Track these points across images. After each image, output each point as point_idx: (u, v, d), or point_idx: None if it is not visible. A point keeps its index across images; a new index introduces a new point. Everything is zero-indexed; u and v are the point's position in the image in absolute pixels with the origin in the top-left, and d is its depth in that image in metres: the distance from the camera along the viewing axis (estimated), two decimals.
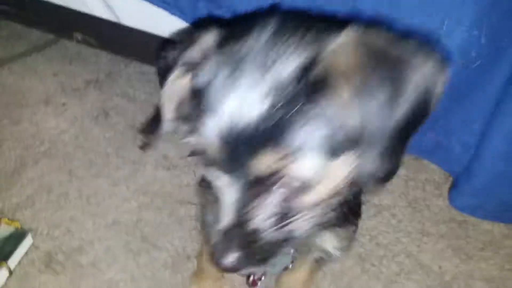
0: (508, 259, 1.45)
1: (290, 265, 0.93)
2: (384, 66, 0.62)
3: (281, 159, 0.63)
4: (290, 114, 0.61)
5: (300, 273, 1.15)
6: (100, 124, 1.65)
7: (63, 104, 1.70)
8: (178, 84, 0.72)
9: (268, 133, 0.62)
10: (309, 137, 0.63)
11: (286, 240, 0.69)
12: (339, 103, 0.62)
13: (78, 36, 1.71)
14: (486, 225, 1.50)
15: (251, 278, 0.99)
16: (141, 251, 1.35)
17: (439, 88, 0.64)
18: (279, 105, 0.61)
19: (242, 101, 0.63)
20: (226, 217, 0.67)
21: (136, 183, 1.50)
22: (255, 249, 0.68)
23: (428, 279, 1.39)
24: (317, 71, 0.62)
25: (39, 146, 1.56)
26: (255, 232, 0.67)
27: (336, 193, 0.69)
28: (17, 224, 1.32)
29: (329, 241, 0.92)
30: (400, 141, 0.65)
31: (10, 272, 1.23)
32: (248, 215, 0.67)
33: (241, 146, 0.63)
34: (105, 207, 1.42)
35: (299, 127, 0.62)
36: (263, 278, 0.99)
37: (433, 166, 1.63)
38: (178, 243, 1.37)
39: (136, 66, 1.81)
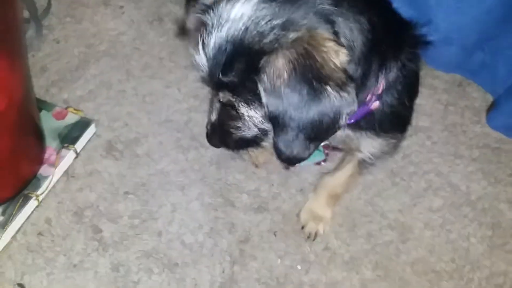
0: None
1: (323, 162, 1.12)
2: (307, 79, 0.75)
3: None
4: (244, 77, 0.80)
5: (342, 174, 1.29)
6: (155, 29, 1.73)
7: (121, 7, 1.78)
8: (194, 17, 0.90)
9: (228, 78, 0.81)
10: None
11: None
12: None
13: None
14: None
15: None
16: (190, 147, 1.48)
17: (343, 120, 0.78)
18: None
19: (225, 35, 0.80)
20: (212, 116, 0.95)
21: (187, 87, 1.60)
22: (229, 141, 0.96)
23: (454, 196, 1.47)
24: (265, 59, 0.76)
25: (99, 45, 1.67)
26: (227, 131, 0.94)
27: None
28: (82, 114, 1.46)
29: (368, 146, 1.08)
30: (308, 137, 0.80)
31: (77, 154, 1.39)
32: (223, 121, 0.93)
33: (215, 72, 0.82)
34: (158, 106, 1.54)
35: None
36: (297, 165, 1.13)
37: (474, 94, 1.65)
38: None
39: None
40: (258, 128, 0.88)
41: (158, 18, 1.77)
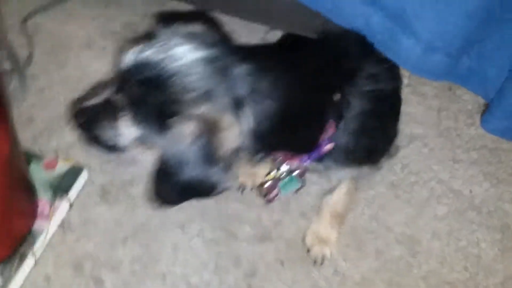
0: None
1: (298, 190, 1.24)
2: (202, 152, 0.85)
3: None
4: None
5: (339, 191, 1.32)
6: None
7: (104, 48, 1.77)
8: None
9: None
10: None
11: None
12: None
13: None
14: None
15: (267, 197, 1.22)
16: None
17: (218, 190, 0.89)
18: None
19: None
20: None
21: None
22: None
23: (457, 202, 1.45)
24: (176, 119, 0.85)
25: (85, 88, 1.65)
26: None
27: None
28: (73, 161, 1.43)
29: (341, 174, 1.20)
30: (182, 193, 0.91)
31: (71, 204, 1.36)
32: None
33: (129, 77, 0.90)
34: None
35: None
36: (277, 196, 1.23)
37: (466, 97, 1.65)
38: None
39: (173, 5, 1.82)
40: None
41: None
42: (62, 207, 1.34)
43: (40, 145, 1.50)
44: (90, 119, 0.97)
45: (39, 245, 1.26)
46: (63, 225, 1.34)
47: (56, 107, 1.60)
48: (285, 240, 1.36)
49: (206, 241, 1.34)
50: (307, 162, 1.07)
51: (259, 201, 1.40)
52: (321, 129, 0.99)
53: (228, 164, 0.85)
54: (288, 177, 1.15)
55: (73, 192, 1.37)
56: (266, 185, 1.19)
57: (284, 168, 1.13)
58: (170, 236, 1.34)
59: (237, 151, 0.86)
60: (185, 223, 1.37)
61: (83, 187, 1.41)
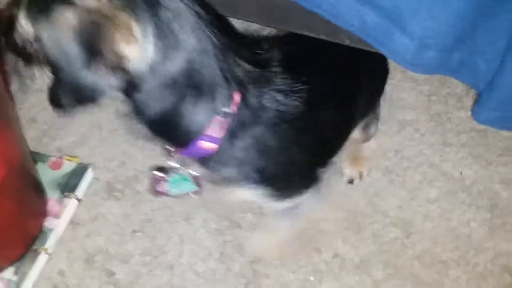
0: None
1: (194, 195, 1.08)
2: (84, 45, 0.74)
3: None
4: None
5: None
6: None
7: None
8: None
9: None
10: None
11: None
12: None
13: None
14: (506, 133, 1.59)
15: (154, 187, 1.06)
16: None
17: (101, 97, 0.81)
18: None
19: None
20: None
21: None
22: None
23: (449, 184, 1.52)
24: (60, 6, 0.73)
25: None
26: None
27: None
28: (77, 160, 1.48)
29: (246, 195, 1.03)
30: (70, 95, 0.82)
31: (79, 201, 1.41)
32: None
33: None
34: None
35: None
36: (166, 192, 1.06)
37: (455, 81, 1.68)
38: None
39: None
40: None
41: None
42: (71, 205, 1.38)
43: (44, 145, 1.54)
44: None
45: (51, 242, 1.32)
46: (72, 222, 1.39)
47: None
48: None
49: (210, 231, 1.40)
50: (183, 157, 0.93)
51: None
52: (198, 118, 0.83)
53: (110, 69, 0.73)
54: (179, 175, 0.99)
55: (81, 190, 1.42)
56: (155, 173, 1.04)
57: (174, 162, 0.97)
58: (176, 228, 1.40)
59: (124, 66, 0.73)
60: (189, 215, 1.43)
61: (90, 184, 1.46)
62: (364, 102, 1.27)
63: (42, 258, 1.29)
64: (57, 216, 1.35)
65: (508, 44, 1.09)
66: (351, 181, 1.52)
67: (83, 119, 1.60)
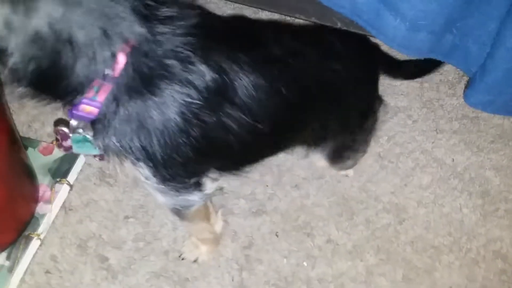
0: None
1: (99, 158, 1.02)
2: None
3: None
4: None
5: None
6: None
7: None
8: None
9: None
10: None
11: None
12: None
13: None
14: (497, 119, 1.61)
15: (60, 142, 0.99)
16: None
17: None
18: None
19: None
20: None
21: None
22: None
23: (441, 171, 1.53)
24: None
25: None
26: None
27: None
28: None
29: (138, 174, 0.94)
30: None
31: (71, 187, 1.40)
32: None
33: None
34: None
35: None
36: (71, 149, 0.95)
37: (447, 67, 1.70)
38: None
39: None
40: None
41: None
42: (63, 190, 1.37)
43: (34, 131, 1.52)
44: None
45: (43, 227, 1.31)
46: (65, 207, 1.38)
47: None
48: (279, 212, 1.43)
49: None
50: (70, 123, 0.86)
51: (254, 176, 1.45)
52: (78, 79, 0.76)
53: None
54: (81, 136, 0.88)
55: (72, 175, 1.41)
56: (59, 128, 0.97)
57: (73, 122, 0.86)
58: (168, 214, 1.39)
59: None
60: None
61: (82, 170, 1.45)
62: (329, 111, 1.08)
63: (34, 244, 1.29)
64: (48, 201, 1.34)
65: (499, 28, 1.10)
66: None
67: None
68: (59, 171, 1.40)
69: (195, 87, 0.81)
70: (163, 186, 0.94)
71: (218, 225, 1.31)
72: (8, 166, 1.14)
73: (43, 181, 1.37)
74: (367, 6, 1.14)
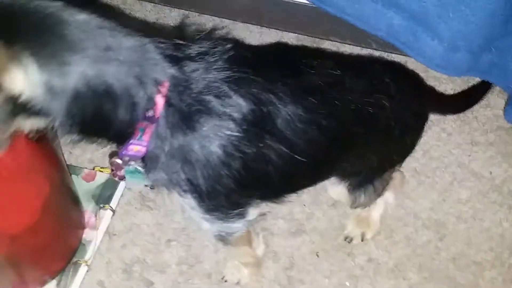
0: None
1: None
2: None
3: None
4: None
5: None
6: None
7: None
8: None
9: None
10: None
11: None
12: None
13: None
14: None
15: (114, 172, 1.02)
16: None
17: None
18: None
19: None
20: None
21: None
22: None
23: (479, 184, 1.52)
24: None
25: None
26: None
27: None
28: (109, 171, 1.49)
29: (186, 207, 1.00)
30: None
31: (114, 212, 1.43)
32: None
33: None
34: None
35: None
36: (124, 179, 1.02)
37: (479, 78, 1.70)
38: None
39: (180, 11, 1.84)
40: None
41: None
42: (107, 216, 1.41)
43: (76, 157, 1.56)
44: None
45: (90, 253, 1.34)
46: (108, 233, 1.41)
47: None
48: (318, 232, 1.43)
49: None
50: (121, 158, 0.90)
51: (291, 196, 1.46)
52: (123, 125, 0.81)
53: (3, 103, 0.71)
54: (133, 168, 0.95)
55: (114, 201, 1.44)
56: (114, 160, 0.98)
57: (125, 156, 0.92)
58: (210, 236, 1.41)
59: (20, 104, 0.72)
60: None
61: (123, 195, 1.48)
62: (364, 151, 1.07)
63: (82, 270, 1.32)
64: (94, 227, 1.37)
65: None
66: (349, 240, 1.40)
67: None
68: (102, 197, 1.43)
69: (234, 120, 0.83)
70: (208, 216, 0.99)
71: (260, 249, 1.33)
72: (61, 197, 1.18)
73: (88, 207, 1.41)
74: (404, 28, 1.15)
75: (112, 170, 1.01)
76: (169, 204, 1.42)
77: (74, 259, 1.31)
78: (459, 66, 1.15)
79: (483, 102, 1.66)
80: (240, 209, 1.02)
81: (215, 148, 0.84)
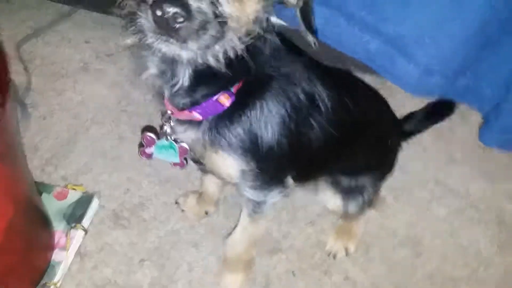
0: None
1: (179, 166, 1.10)
2: None
3: None
4: None
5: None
6: (139, 87, 1.74)
7: (101, 70, 1.79)
8: None
9: None
10: None
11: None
12: None
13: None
14: None
15: (143, 148, 1.08)
16: None
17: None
18: None
19: None
20: None
21: None
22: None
23: (456, 201, 1.52)
24: None
25: (86, 114, 1.68)
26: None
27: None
28: (82, 189, 1.46)
29: (230, 167, 1.05)
30: None
31: (86, 232, 1.40)
32: None
33: None
34: (155, 165, 1.55)
35: None
36: (152, 156, 1.09)
37: None
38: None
39: None
40: None
41: (140, 74, 1.77)
42: (78, 236, 1.37)
43: (48, 174, 1.53)
44: None
45: (60, 275, 1.30)
46: (80, 253, 1.38)
47: (59, 134, 1.63)
48: (295, 250, 1.42)
49: (219, 258, 1.39)
50: (200, 112, 0.96)
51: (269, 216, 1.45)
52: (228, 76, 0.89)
53: None
54: (168, 142, 1.02)
55: (87, 220, 1.41)
56: (146, 134, 1.06)
57: (168, 128, 1.01)
58: (184, 255, 1.39)
59: None
60: (197, 241, 1.42)
61: (96, 213, 1.44)
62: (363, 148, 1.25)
63: None
64: (64, 248, 1.33)
65: None
66: (333, 255, 1.41)
67: (86, 147, 1.60)
68: (74, 216, 1.40)
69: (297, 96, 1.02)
70: (252, 183, 1.07)
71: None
72: (27, 218, 1.14)
73: (58, 227, 1.37)
74: (380, 52, 1.16)
75: (142, 145, 1.04)
76: (145, 222, 1.42)
77: (43, 282, 1.27)
78: (434, 90, 1.16)
79: (461, 120, 1.68)
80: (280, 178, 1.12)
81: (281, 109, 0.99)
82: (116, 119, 1.67)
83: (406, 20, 1.11)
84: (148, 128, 1.02)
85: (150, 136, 1.05)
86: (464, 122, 1.67)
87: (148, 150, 1.08)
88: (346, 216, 1.38)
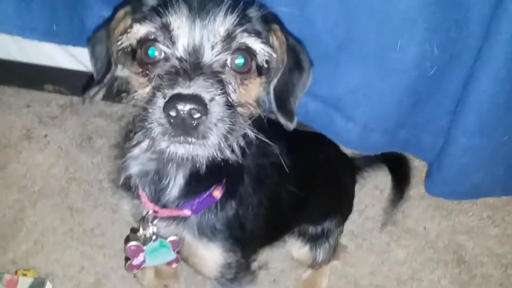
0: (484, 208, 1.60)
1: (174, 264, 1.05)
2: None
3: None
4: None
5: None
6: (86, 150, 1.68)
7: (45, 136, 1.71)
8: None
9: None
10: None
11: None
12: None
13: (49, 87, 1.76)
14: None
15: (130, 262, 1.03)
16: None
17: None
18: None
19: None
20: None
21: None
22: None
23: (415, 242, 1.54)
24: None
25: (32, 186, 1.60)
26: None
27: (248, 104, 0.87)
28: (34, 273, 1.39)
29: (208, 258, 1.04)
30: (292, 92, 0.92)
31: None
32: None
33: None
34: (110, 236, 1.50)
35: None
36: (142, 266, 1.04)
37: None
38: None
39: None
40: None
41: (86, 138, 1.72)
42: None
43: None
44: None
45: None
46: None
47: (5, 211, 1.54)
48: None
49: None
50: (193, 208, 0.95)
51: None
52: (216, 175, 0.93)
53: None
54: (159, 241, 0.96)
55: None
56: (129, 246, 0.99)
57: (153, 227, 0.95)
58: None
59: None
60: None
61: None
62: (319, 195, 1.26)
63: None
64: None
65: (449, 126, 1.14)
66: None
67: (35, 223, 1.52)
68: None
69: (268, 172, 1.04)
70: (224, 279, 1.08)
71: None
72: None
73: None
74: (319, 113, 1.16)
75: (128, 259, 0.98)
76: None
77: None
78: (376, 145, 1.17)
79: (410, 156, 1.69)
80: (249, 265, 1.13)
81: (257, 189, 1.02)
82: (65, 188, 1.60)
83: (338, 82, 1.12)
84: (129, 238, 0.98)
85: (134, 246, 0.98)
86: (414, 159, 1.69)
87: (136, 262, 1.00)
88: (314, 264, 1.40)
